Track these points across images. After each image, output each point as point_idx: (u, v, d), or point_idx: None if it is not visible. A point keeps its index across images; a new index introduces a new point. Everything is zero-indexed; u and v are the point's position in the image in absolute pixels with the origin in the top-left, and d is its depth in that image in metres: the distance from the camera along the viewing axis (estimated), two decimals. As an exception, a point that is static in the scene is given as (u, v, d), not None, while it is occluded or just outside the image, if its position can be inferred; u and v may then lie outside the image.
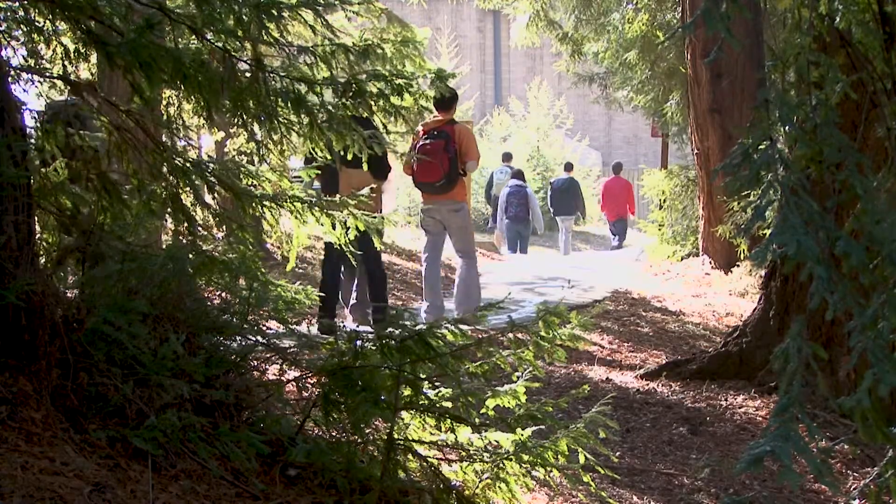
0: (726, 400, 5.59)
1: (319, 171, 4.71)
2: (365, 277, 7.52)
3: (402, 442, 3.22)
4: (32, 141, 3.39)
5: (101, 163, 3.60)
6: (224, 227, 4.08)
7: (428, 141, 7.51)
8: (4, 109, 2.92)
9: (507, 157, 19.07)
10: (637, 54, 12.71)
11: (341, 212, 4.15)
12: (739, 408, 5.46)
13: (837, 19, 2.13)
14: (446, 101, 7.48)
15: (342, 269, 7.63)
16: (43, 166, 3.45)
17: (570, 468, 3.31)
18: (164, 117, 3.98)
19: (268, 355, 3.51)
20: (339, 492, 3.04)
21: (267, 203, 4.04)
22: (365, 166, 4.57)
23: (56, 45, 3.61)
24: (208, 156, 6.98)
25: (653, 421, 5.23)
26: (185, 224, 3.84)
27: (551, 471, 3.31)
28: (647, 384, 5.94)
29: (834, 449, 4.40)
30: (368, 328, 4.06)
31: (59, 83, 3.71)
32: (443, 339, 3.23)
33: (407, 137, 7.76)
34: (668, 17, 12.36)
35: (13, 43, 3.52)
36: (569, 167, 19.35)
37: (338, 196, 4.08)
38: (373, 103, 3.92)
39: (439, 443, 3.33)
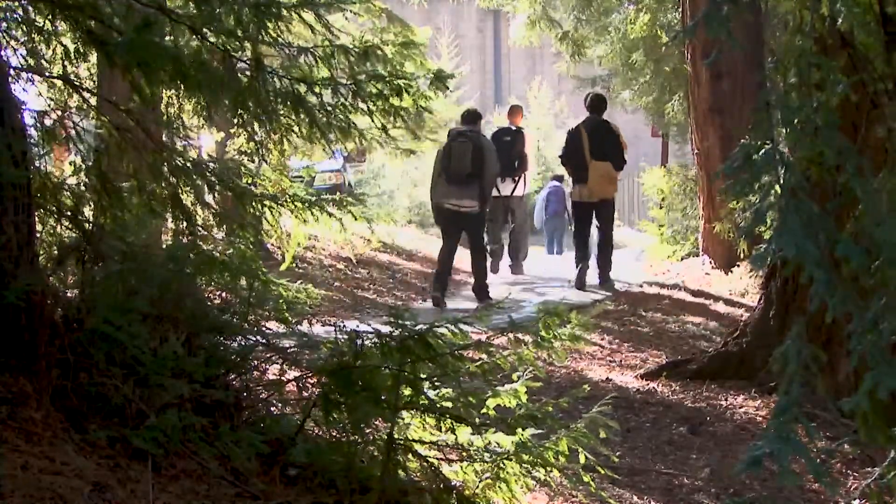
0: (726, 400, 5.59)
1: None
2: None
3: (402, 442, 3.22)
4: (33, 141, 3.39)
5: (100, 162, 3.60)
6: (224, 227, 4.08)
7: None
8: (4, 109, 2.92)
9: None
10: (640, 56, 12.68)
11: (341, 210, 4.16)
12: (739, 408, 5.46)
13: (839, 21, 2.13)
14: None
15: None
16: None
17: (570, 468, 3.31)
18: (164, 117, 3.97)
19: (268, 355, 3.50)
20: (339, 492, 3.04)
21: (267, 202, 4.04)
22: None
23: (56, 45, 3.60)
24: (208, 156, 6.97)
25: (653, 421, 5.22)
26: (185, 224, 3.84)
27: (551, 471, 3.30)
28: (647, 384, 5.94)
29: (834, 449, 4.40)
30: None
31: (59, 83, 3.70)
32: (443, 339, 3.22)
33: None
34: (669, 18, 12.32)
35: (13, 43, 3.52)
36: None
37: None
38: (371, 103, 3.92)
39: (439, 443, 3.33)
